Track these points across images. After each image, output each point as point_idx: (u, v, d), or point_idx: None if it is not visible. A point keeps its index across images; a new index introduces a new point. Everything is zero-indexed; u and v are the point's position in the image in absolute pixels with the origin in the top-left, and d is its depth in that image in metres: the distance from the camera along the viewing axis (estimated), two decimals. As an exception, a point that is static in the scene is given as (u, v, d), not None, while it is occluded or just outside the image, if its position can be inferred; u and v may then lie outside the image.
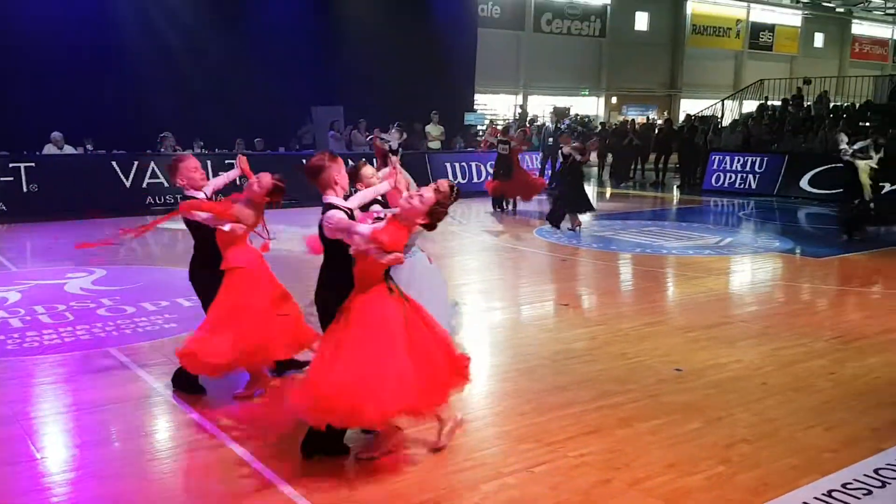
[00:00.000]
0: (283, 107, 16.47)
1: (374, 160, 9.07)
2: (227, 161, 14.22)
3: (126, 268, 8.55)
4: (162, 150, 14.03)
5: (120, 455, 3.92)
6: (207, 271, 4.61)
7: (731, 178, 17.54)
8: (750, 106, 23.47)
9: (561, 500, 3.39)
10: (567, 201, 11.53)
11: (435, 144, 17.66)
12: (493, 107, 29.29)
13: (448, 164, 16.99)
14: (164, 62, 15.64)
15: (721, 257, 9.98)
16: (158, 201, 13.45)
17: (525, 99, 30.42)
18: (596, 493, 3.45)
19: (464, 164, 17.23)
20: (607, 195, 18.35)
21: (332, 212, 3.74)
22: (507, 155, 13.70)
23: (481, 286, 8.21)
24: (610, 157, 21.56)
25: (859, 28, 40.79)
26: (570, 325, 6.65)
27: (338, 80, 17.46)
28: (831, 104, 20.81)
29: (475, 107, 23.38)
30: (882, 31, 41.86)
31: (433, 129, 17.69)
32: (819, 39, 39.39)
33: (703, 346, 5.94)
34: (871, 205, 10.89)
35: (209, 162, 14.07)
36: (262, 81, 16.34)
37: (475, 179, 17.26)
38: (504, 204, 14.13)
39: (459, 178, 17.00)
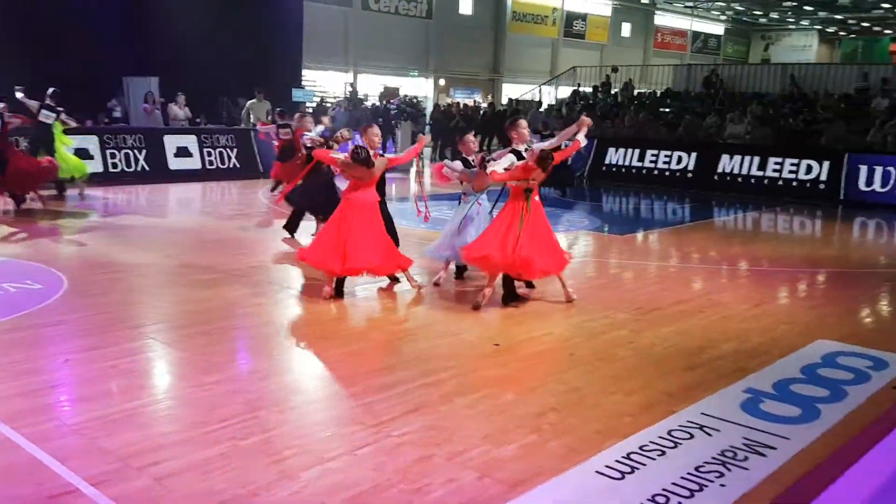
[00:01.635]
0: (90, 77, 15.19)
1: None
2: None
3: None
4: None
5: None
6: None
7: (548, 159, 18.46)
8: (565, 91, 24.84)
9: (383, 480, 3.45)
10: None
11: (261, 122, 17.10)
12: (323, 84, 28.84)
13: (276, 142, 16.51)
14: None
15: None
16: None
17: (355, 77, 30.21)
18: (416, 470, 3.55)
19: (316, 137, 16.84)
20: (425, 179, 18.69)
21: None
22: (291, 139, 11.64)
23: (313, 269, 8.13)
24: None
25: (661, 19, 44.33)
26: (399, 305, 6.76)
27: (153, 50, 16.36)
28: (636, 91, 22.52)
29: (304, 83, 22.87)
30: (682, 23, 45.76)
31: (257, 106, 17.11)
32: (626, 29, 42.37)
33: (518, 321, 6.26)
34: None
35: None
36: (68, 49, 14.95)
37: (305, 158, 16.93)
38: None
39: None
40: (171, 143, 15.18)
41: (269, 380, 4.69)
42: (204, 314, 6.03)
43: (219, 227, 10.39)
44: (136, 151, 14.60)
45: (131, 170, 14.49)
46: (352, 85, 28.20)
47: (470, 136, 7.54)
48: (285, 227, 9.32)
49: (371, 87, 29.19)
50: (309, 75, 25.42)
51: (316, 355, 5.39)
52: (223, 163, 15.75)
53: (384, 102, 21.10)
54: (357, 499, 3.29)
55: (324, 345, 5.59)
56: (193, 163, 15.36)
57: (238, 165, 15.85)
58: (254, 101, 17.05)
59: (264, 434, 3.88)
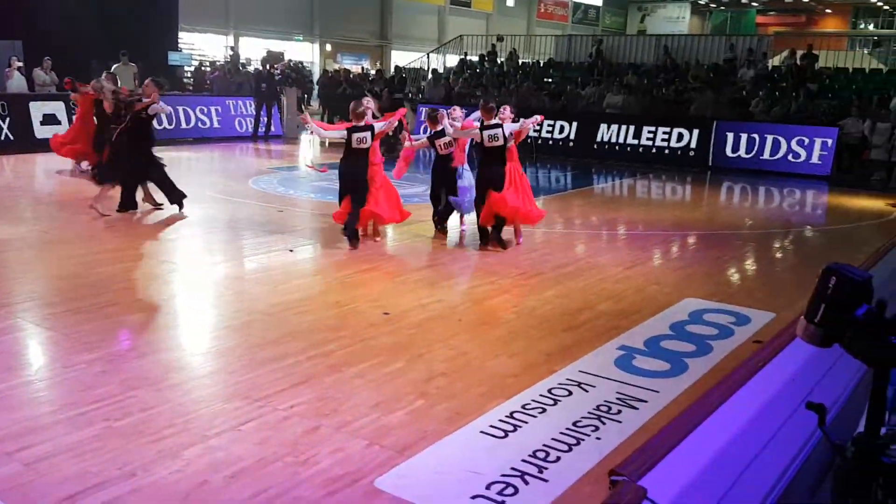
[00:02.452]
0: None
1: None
2: None
3: None
4: None
5: None
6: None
7: (437, 128, 18.55)
8: (453, 60, 24.88)
9: (268, 454, 3.41)
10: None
11: (127, 86, 16.14)
12: (203, 47, 27.59)
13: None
14: None
15: (426, 204, 10.59)
16: None
17: (236, 41, 29.07)
18: (304, 442, 3.54)
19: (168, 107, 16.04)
20: (326, 144, 18.40)
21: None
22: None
23: (195, 241, 7.87)
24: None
25: (544, -11, 44.92)
26: (288, 276, 6.65)
27: (15, 12, 15.10)
28: (520, 61, 22.86)
29: (182, 46, 21.79)
30: (564, -6, 46.57)
31: (122, 70, 16.13)
32: (511, -1, 42.71)
33: (409, 289, 6.32)
34: None
35: None
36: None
37: (183, 125, 16.24)
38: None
39: (165, 124, 15.87)
40: (37, 109, 14.13)
41: (147, 357, 4.52)
42: (76, 290, 5.72)
43: (90, 198, 9.81)
44: (-1, 119, 13.52)
45: (-7, 139, 13.42)
46: (233, 48, 27.12)
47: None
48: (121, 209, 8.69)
49: (254, 51, 28.19)
50: (187, 38, 24.23)
51: (198, 330, 5.23)
52: (94, 130, 14.84)
53: (267, 67, 20.36)
54: (241, 474, 3.24)
55: (206, 319, 5.45)
56: (62, 131, 14.35)
57: (111, 133, 15.00)
58: (119, 64, 16.08)
59: (142, 413, 3.74)
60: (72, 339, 4.75)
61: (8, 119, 13.63)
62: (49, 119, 14.25)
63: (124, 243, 7.42)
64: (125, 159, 8.45)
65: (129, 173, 8.62)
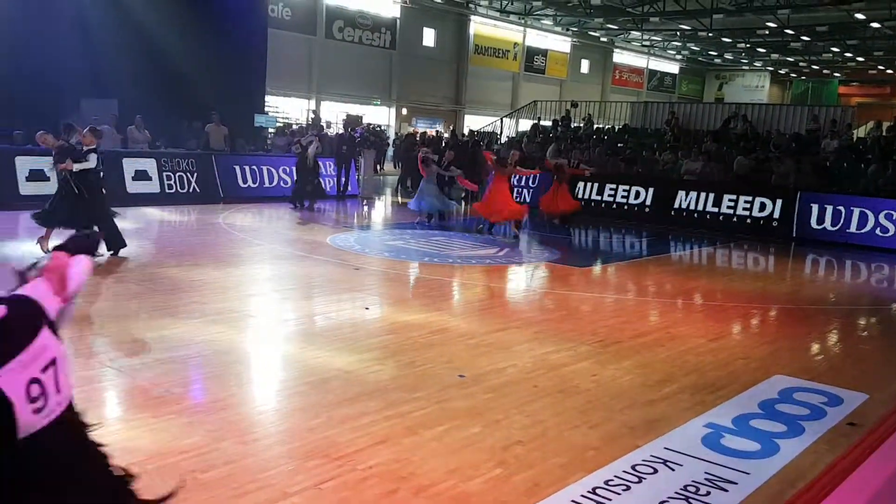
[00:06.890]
0: (47, 98, 14.89)
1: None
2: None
3: None
4: None
5: None
6: None
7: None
8: (526, 124, 25.21)
9: (348, 515, 3.40)
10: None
11: (218, 146, 16.96)
12: (286, 110, 28.83)
13: (237, 167, 16.39)
14: None
15: (500, 266, 10.61)
16: None
17: (318, 104, 30.27)
18: (382, 506, 3.51)
19: (254, 167, 16.71)
20: (399, 203, 18.77)
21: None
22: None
23: (274, 296, 8.05)
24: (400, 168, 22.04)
25: (619, 57, 45.46)
26: (363, 335, 6.70)
27: (111, 72, 16.14)
28: (595, 126, 22.97)
29: (266, 109, 22.83)
30: (639, 61, 46.98)
31: (214, 130, 16.97)
32: (585, 66, 43.31)
33: (483, 352, 6.26)
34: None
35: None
36: (27, 71, 14.69)
37: (266, 184, 16.83)
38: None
39: (250, 183, 16.50)
40: (129, 166, 14.92)
41: (230, 410, 4.60)
42: (161, 342, 5.90)
43: (176, 253, 10.21)
44: (93, 174, 14.28)
45: (88, 193, 14.16)
46: (314, 112, 28.22)
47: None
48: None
49: (333, 114, 29.30)
50: (271, 101, 25.40)
51: (278, 385, 5.30)
52: (182, 187, 15.55)
53: (349, 130, 21.08)
54: (322, 534, 3.23)
55: (285, 374, 5.52)
56: (152, 186, 15.11)
57: (198, 190, 15.68)
58: (211, 125, 16.92)
59: (226, 466, 3.79)
60: (158, 389, 4.87)
61: (102, 174, 14.36)
62: (140, 175, 14.99)
63: (206, 296, 7.64)
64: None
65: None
